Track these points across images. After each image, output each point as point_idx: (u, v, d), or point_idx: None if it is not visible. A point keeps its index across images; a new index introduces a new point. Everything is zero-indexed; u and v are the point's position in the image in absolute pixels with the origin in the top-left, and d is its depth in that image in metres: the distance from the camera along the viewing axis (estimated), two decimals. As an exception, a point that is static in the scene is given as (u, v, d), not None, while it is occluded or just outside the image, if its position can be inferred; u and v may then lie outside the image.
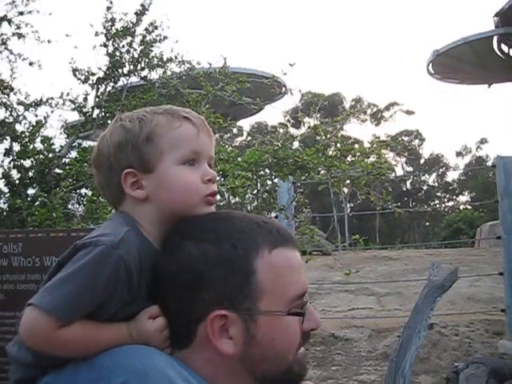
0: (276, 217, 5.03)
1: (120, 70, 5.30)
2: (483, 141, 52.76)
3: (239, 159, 3.35)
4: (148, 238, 1.03)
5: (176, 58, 5.34)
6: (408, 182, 53.39)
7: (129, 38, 5.24)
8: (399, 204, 48.60)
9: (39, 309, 0.94)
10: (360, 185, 3.42)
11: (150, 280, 1.01)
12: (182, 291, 0.97)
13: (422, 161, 53.32)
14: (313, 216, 21.24)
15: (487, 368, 3.88)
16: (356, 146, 3.69)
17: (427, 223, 53.39)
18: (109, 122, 5.19)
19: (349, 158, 3.96)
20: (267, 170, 3.40)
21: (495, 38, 24.16)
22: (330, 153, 3.47)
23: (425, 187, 54.61)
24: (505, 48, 24.81)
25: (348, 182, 3.47)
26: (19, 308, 2.52)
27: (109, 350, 0.95)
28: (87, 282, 0.94)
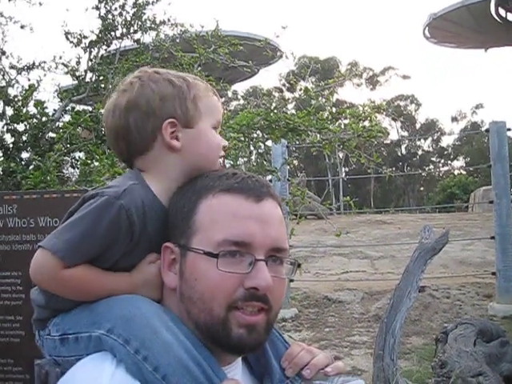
0: (270, 180, 5.06)
1: (113, 33, 5.23)
2: (478, 106, 52.72)
3: (231, 122, 3.36)
4: (155, 193, 1.08)
5: (169, 20, 5.27)
6: (403, 147, 53.40)
7: (121, 1, 5.16)
8: (393, 169, 48.73)
9: (46, 250, 1.01)
10: (350, 147, 3.44)
11: (158, 236, 1.06)
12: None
13: (417, 126, 53.21)
14: (307, 180, 21.29)
15: (475, 328, 3.96)
16: (348, 109, 3.68)
17: (422, 188, 53.61)
18: (102, 85, 5.16)
19: (345, 121, 3.96)
20: (259, 133, 3.41)
21: (493, 2, 23.89)
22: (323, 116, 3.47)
23: (420, 152, 54.62)
24: (502, 12, 24.57)
25: (339, 144, 3.47)
26: (15, 268, 2.55)
27: (107, 298, 1.01)
28: (89, 228, 1.00)
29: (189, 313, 1.00)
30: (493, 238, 7.44)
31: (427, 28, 26.26)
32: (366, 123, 3.49)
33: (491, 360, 3.72)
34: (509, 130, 7.63)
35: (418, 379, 4.29)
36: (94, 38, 5.23)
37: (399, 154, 52.96)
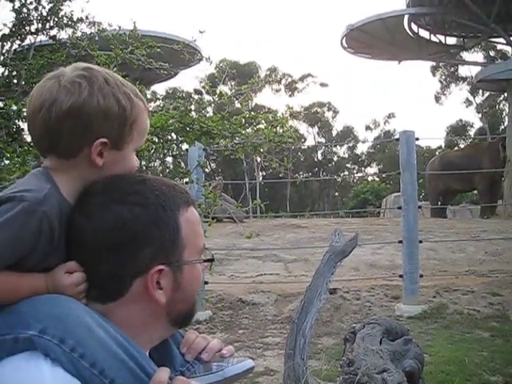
0: (186, 183, 5.07)
1: (27, 28, 5.08)
2: (391, 115, 54.48)
3: (146, 123, 3.35)
4: (65, 196, 1.07)
5: (87, 18, 5.18)
6: (319, 153, 54.50)
7: (37, -6, 5.03)
8: (310, 174, 49.67)
9: None
10: (261, 152, 3.53)
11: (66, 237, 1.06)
12: (116, 250, 1.04)
13: (334, 132, 54.45)
14: (224, 183, 21.36)
15: (382, 328, 4.11)
16: (260, 114, 3.76)
17: (336, 193, 54.89)
18: (14, 81, 5.00)
19: (259, 126, 4.03)
20: (174, 135, 3.42)
21: (406, 17, 24.85)
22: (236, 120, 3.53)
23: (335, 158, 55.93)
24: (414, 27, 25.59)
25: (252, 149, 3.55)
26: None
27: (27, 298, 1.00)
28: (12, 236, 0.98)
29: (170, 314, 1.11)
30: (400, 242, 7.76)
31: (345, 38, 26.95)
32: (280, 129, 3.58)
33: (395, 357, 3.88)
34: (417, 139, 7.97)
35: (327, 377, 4.43)
36: (6, 31, 5.06)
37: (315, 159, 54.02)
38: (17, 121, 4.40)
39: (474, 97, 45.02)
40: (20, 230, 0.98)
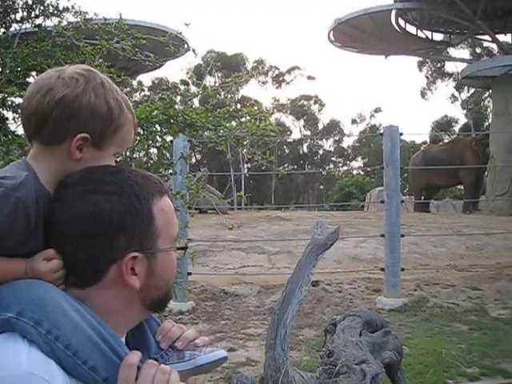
0: (170, 174, 5.08)
1: (12, 16, 5.07)
2: (377, 110, 54.68)
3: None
4: (44, 185, 1.12)
5: (73, 7, 5.18)
6: (305, 146, 54.56)
7: (23, -17, 5.02)
8: (295, 166, 49.70)
9: None
10: (244, 145, 3.58)
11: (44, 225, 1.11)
12: (92, 238, 1.08)
13: (320, 126, 54.54)
14: (209, 175, 21.35)
15: (362, 320, 4.17)
16: (245, 108, 3.78)
17: (321, 186, 55.03)
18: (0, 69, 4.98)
19: (243, 119, 4.05)
20: (158, 127, 3.44)
21: (393, 12, 24.89)
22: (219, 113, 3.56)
23: (321, 151, 56.03)
24: (402, 22, 25.65)
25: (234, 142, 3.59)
26: None
27: (7, 283, 1.05)
28: None
29: (144, 299, 1.15)
30: (383, 235, 7.83)
31: (332, 32, 26.92)
32: (263, 122, 3.61)
33: (374, 348, 3.95)
34: (401, 134, 8.03)
35: (307, 367, 4.48)
36: (-9, 19, 5.05)
37: (301, 152, 54.10)
38: (1, 109, 4.40)
39: (460, 93, 45.37)
40: None
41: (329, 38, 27.58)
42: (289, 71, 50.90)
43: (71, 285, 1.11)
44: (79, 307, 1.06)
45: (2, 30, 5.14)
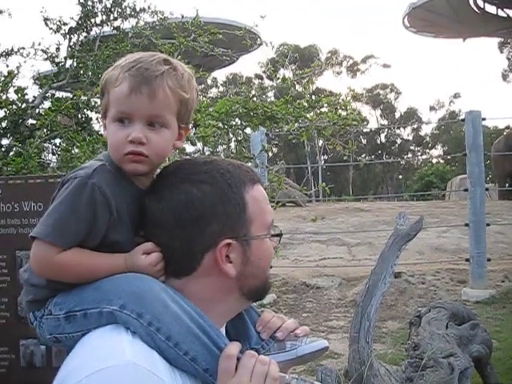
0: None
1: (92, 20, 5.23)
2: (456, 95, 53.08)
3: (210, 109, 3.42)
4: (127, 175, 1.14)
5: (149, 8, 5.29)
6: (382, 135, 53.69)
7: (101, -13, 5.16)
8: (373, 157, 48.99)
9: (36, 239, 1.07)
10: (325, 135, 3.54)
11: (137, 216, 1.14)
12: (187, 228, 1.11)
13: (397, 114, 53.49)
14: (287, 167, 21.36)
15: (448, 312, 4.06)
16: (324, 98, 3.75)
17: (400, 176, 54.00)
18: (81, 72, 5.16)
19: (322, 110, 4.02)
20: (238, 120, 3.46)
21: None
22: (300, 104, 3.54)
23: (399, 140, 54.96)
24: (480, 2, 24.74)
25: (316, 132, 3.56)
26: (1, 251, 2.60)
27: (110, 276, 1.09)
28: (69, 208, 1.07)
29: (241, 288, 1.15)
30: (467, 225, 7.59)
31: (407, 17, 26.34)
32: (343, 112, 3.57)
33: (462, 342, 3.84)
34: (484, 119, 7.75)
35: (392, 360, 4.41)
36: (73, 24, 5.23)
37: (378, 142, 53.24)
38: (85, 110, 4.56)
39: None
40: (75, 201, 1.07)
41: (403, 23, 27.00)
42: (363, 60, 50.22)
43: (169, 275, 1.13)
44: (179, 299, 1.08)
45: (84, 34, 5.31)
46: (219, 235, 1.11)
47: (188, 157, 1.21)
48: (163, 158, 1.17)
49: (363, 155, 48.13)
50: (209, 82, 43.02)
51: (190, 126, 1.18)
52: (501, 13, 25.21)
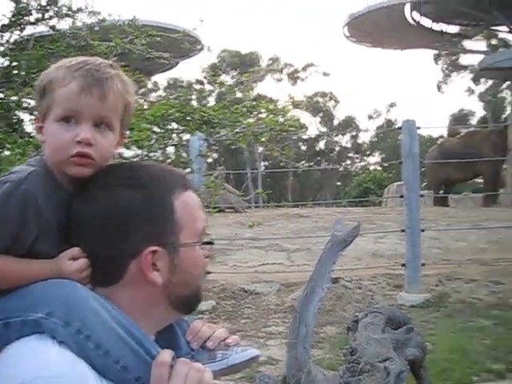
0: (189, 173, 5.05)
1: (27, 18, 5.07)
2: (393, 104, 54.31)
3: (146, 113, 3.36)
4: (60, 181, 1.10)
5: (86, 8, 5.17)
6: (322, 142, 54.41)
7: (36, -16, 5.01)
8: (312, 163, 49.58)
9: None
10: (262, 141, 3.53)
11: (65, 222, 1.09)
12: (112, 233, 1.06)
13: (335, 122, 54.31)
14: (226, 173, 21.35)
15: (384, 317, 4.11)
16: (262, 104, 3.75)
17: (339, 183, 54.82)
18: (14, 71, 4.98)
19: (261, 115, 4.02)
20: (175, 125, 3.42)
21: (408, 6, 24.76)
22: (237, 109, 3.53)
23: (337, 148, 55.80)
24: (416, 16, 25.51)
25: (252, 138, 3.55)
26: None
27: (37, 283, 1.03)
28: None
29: (169, 296, 1.11)
30: (403, 230, 7.76)
31: (347, 27, 26.86)
32: (281, 118, 3.57)
33: (398, 346, 3.88)
34: (419, 128, 7.96)
35: (330, 366, 4.44)
36: (6, 21, 5.05)
37: (317, 149, 53.93)
38: (17, 111, 4.40)
39: (477, 85, 44.91)
40: (4, 207, 1.02)
41: (343, 33, 27.50)
42: (304, 68, 50.74)
43: (96, 283, 1.09)
44: (108, 306, 1.04)
45: (17, 32, 5.13)
46: (144, 242, 1.07)
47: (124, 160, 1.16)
48: (107, 162, 1.13)
49: (302, 162, 48.66)
50: (149, 86, 42.61)
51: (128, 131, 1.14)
52: (435, 27, 26.08)
